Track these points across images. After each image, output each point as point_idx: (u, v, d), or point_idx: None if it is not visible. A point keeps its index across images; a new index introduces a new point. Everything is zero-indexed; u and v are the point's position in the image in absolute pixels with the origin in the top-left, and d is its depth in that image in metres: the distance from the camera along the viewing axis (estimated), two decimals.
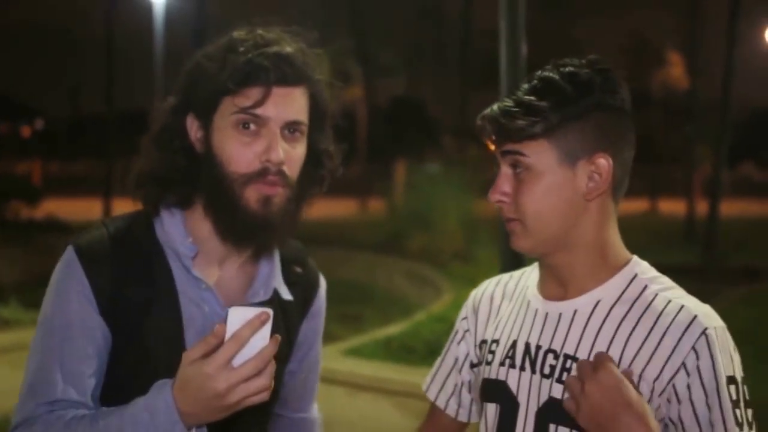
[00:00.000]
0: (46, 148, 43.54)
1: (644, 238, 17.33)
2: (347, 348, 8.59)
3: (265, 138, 1.67)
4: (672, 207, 27.23)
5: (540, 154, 1.55)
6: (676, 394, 1.51)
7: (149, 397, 1.54)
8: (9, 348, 8.65)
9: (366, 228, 20.20)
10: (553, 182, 1.56)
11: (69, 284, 1.66)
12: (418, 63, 41.81)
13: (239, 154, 1.67)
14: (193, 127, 1.71)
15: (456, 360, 1.83)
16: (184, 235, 1.72)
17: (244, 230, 1.69)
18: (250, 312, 1.48)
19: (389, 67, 39.33)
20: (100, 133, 24.05)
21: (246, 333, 1.46)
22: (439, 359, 1.88)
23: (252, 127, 1.67)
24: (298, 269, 1.88)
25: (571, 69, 1.57)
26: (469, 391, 1.82)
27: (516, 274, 1.82)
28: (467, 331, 1.82)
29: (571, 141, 1.55)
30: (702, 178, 28.13)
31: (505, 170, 1.60)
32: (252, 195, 1.67)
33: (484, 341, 1.77)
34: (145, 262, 1.70)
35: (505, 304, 1.77)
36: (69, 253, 1.67)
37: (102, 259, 1.67)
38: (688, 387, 1.50)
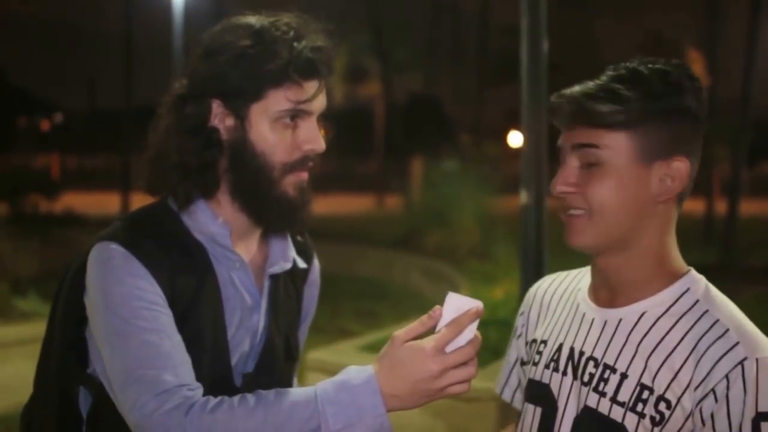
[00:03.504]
0: (64, 142, 43.70)
1: None
2: (363, 344, 8.58)
3: (305, 128, 1.70)
4: (690, 206, 27.16)
5: (616, 148, 1.51)
6: (702, 419, 1.46)
7: (344, 378, 1.53)
8: (28, 340, 8.69)
9: (382, 224, 20.17)
10: (627, 178, 1.51)
11: (135, 281, 1.62)
12: (436, 60, 41.75)
13: (283, 144, 1.69)
14: (219, 114, 1.70)
15: (518, 355, 1.83)
16: (214, 217, 1.73)
17: (281, 216, 1.72)
18: (466, 302, 1.52)
19: (406, 64, 39.27)
20: (118, 127, 24.13)
21: (465, 322, 1.51)
22: (506, 358, 1.88)
23: (296, 118, 1.69)
24: (300, 238, 1.92)
25: (662, 67, 1.54)
26: None
27: (573, 273, 1.78)
28: (523, 326, 1.81)
29: (651, 139, 1.51)
30: (721, 177, 27.94)
31: (572, 162, 1.55)
32: (290, 182, 1.70)
33: (534, 340, 1.75)
34: (183, 251, 1.70)
35: (556, 305, 1.74)
36: (116, 250, 1.64)
37: (153, 252, 1.66)
38: (712, 415, 1.45)
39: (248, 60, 1.66)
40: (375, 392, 1.50)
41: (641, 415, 1.50)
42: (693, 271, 1.60)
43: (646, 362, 1.52)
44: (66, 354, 1.72)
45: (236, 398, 1.54)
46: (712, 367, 1.46)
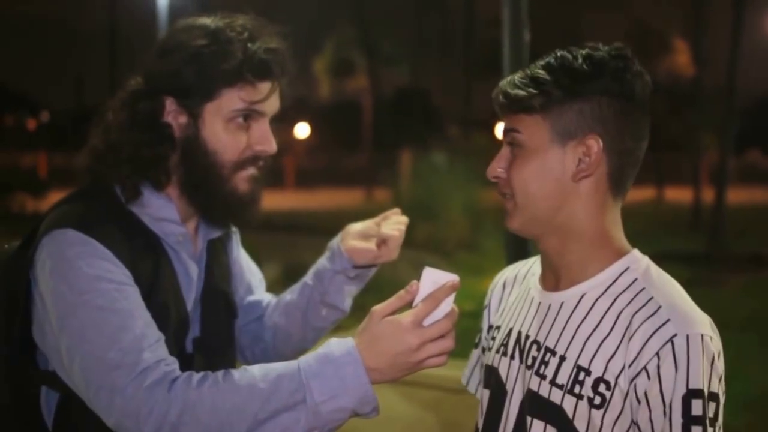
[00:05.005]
0: (51, 140, 43.53)
1: (651, 227, 17.31)
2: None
3: (257, 129, 1.74)
4: (678, 195, 27.22)
5: (533, 131, 1.54)
6: (637, 397, 1.46)
7: (326, 351, 1.56)
8: None
9: (371, 218, 20.14)
10: (544, 160, 1.54)
11: (101, 263, 1.62)
12: (423, 52, 41.72)
13: (235, 144, 1.72)
14: (172, 111, 1.72)
15: (484, 349, 1.84)
16: (158, 195, 1.75)
17: (229, 212, 1.77)
18: (442, 276, 1.55)
19: (394, 57, 39.24)
20: None
21: (441, 296, 1.54)
22: (474, 351, 1.89)
23: (249, 118, 1.73)
24: None
25: (588, 51, 1.56)
26: None
27: (531, 261, 1.81)
28: (486, 318, 1.85)
29: (567, 120, 1.53)
30: (708, 166, 28.06)
31: (504, 148, 1.60)
32: (241, 178, 1.74)
33: (491, 326, 1.79)
34: (135, 232, 1.72)
35: (513, 292, 1.78)
36: (75, 236, 1.63)
37: (110, 234, 1.66)
38: (646, 393, 1.45)
39: (203, 59, 1.68)
40: (357, 362, 1.53)
41: (579, 397, 1.50)
42: (636, 251, 1.60)
43: (584, 344, 1.52)
44: (16, 357, 1.68)
45: (220, 373, 1.56)
46: (644, 345, 1.46)
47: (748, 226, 18.22)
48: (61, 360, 1.62)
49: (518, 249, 4.15)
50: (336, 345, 1.56)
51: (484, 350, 1.81)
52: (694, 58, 27.04)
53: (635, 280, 1.55)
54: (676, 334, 1.45)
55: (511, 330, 1.68)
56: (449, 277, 1.55)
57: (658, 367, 1.44)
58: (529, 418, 1.57)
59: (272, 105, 1.75)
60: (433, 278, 1.55)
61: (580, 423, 1.50)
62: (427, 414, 5.94)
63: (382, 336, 1.53)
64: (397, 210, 2.08)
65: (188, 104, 1.70)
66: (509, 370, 1.64)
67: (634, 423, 1.47)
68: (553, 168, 1.55)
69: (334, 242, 2.02)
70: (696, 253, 14.17)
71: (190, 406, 1.51)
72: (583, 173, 1.54)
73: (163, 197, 1.75)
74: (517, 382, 1.62)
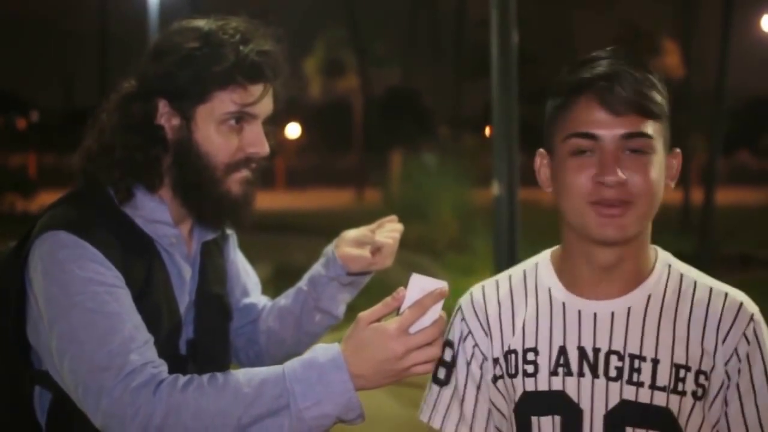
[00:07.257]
0: (41, 140, 43.38)
1: None
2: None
3: (249, 131, 1.73)
4: (668, 195, 27.31)
5: (658, 137, 1.55)
6: (728, 377, 1.54)
7: (311, 357, 1.55)
8: None
9: (362, 218, 20.05)
10: (662, 166, 1.57)
11: (92, 266, 1.62)
12: (413, 53, 41.78)
13: (227, 146, 1.72)
14: (165, 114, 1.72)
15: (479, 384, 1.68)
16: (151, 197, 1.75)
17: (222, 214, 1.76)
18: (430, 283, 1.53)
19: (384, 58, 39.28)
20: None
21: (428, 303, 1.52)
22: (445, 390, 1.71)
23: (241, 120, 1.72)
24: None
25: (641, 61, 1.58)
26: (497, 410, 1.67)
27: (514, 273, 1.71)
28: (474, 346, 1.68)
29: (668, 129, 1.58)
30: (698, 167, 28.15)
31: (617, 152, 1.52)
32: (234, 180, 1.73)
33: (510, 351, 1.63)
34: (128, 234, 1.72)
35: (522, 309, 1.65)
36: (67, 238, 1.63)
37: (103, 236, 1.66)
38: (739, 371, 1.54)
39: (195, 62, 1.69)
40: (342, 369, 1.52)
41: (683, 394, 1.53)
42: (657, 246, 1.65)
43: (673, 342, 1.55)
44: (13, 356, 1.69)
45: (206, 377, 1.56)
46: (730, 329, 1.55)
47: (738, 226, 18.27)
48: (53, 360, 1.63)
49: (506, 249, 4.18)
50: (321, 351, 1.55)
51: (497, 378, 1.65)
52: (684, 59, 27.12)
53: (682, 275, 1.62)
54: (753, 314, 1.57)
55: (563, 348, 1.59)
56: (437, 284, 1.52)
57: (748, 345, 1.55)
58: (629, 429, 1.55)
59: (264, 107, 1.75)
60: (420, 285, 1.53)
61: (682, 419, 1.53)
62: (414, 411, 5.96)
63: (367, 343, 1.52)
64: (393, 217, 2.07)
65: (181, 106, 1.70)
66: (580, 388, 1.57)
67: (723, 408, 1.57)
68: (664, 174, 1.58)
69: (329, 249, 2.02)
70: (685, 253, 14.18)
71: (174, 409, 1.51)
72: (674, 182, 1.61)
73: (156, 199, 1.75)
74: (596, 398, 1.56)
